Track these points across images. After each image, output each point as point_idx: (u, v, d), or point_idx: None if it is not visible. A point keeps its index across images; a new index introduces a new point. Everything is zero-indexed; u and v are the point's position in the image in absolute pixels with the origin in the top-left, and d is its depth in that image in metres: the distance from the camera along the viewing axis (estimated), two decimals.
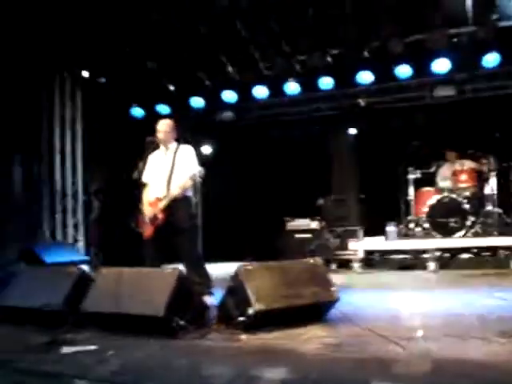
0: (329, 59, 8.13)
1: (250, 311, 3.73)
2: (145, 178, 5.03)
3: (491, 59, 7.42)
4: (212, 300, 4.61)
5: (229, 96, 8.72)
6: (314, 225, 7.91)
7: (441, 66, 7.63)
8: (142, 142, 5.02)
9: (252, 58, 8.15)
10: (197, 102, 8.91)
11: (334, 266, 7.79)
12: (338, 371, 2.90)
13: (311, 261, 4.20)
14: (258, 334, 3.69)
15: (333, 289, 4.08)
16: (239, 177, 9.69)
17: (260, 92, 8.50)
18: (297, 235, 7.86)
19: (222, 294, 4.16)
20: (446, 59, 7.55)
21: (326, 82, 8.12)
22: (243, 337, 3.67)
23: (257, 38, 7.81)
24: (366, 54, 7.86)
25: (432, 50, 7.60)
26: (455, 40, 7.55)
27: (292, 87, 8.30)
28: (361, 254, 7.52)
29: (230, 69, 8.40)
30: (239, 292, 3.88)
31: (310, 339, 3.57)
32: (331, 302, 4.05)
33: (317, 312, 4.01)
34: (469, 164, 8.00)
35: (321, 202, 8.35)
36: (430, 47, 7.56)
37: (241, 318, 3.79)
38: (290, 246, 7.78)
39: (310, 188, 8.63)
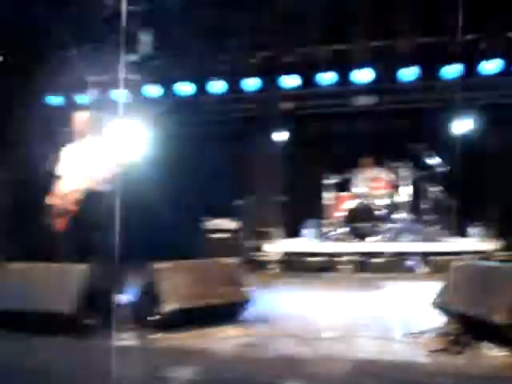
0: (255, 61, 8.16)
1: (163, 310, 3.66)
2: (59, 171, 4.81)
3: (410, 73, 7.75)
4: (125, 298, 4.47)
5: (152, 92, 8.52)
6: (233, 225, 7.90)
7: (363, 75, 7.87)
8: (58, 132, 4.79)
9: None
10: (118, 94, 8.62)
11: (251, 267, 7.82)
12: (249, 371, 2.90)
13: (226, 261, 4.18)
14: (171, 333, 3.63)
15: (247, 289, 4.08)
16: (158, 174, 9.47)
17: (185, 89, 8.37)
18: (214, 235, 7.81)
19: (135, 293, 4.05)
20: (368, 69, 7.80)
21: (252, 84, 8.16)
22: (155, 336, 3.59)
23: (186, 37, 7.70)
24: (292, 58, 7.96)
25: (355, 60, 7.83)
26: (377, 52, 7.80)
27: (218, 86, 8.26)
28: (278, 256, 7.60)
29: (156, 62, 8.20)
30: (153, 290, 3.80)
31: (223, 339, 3.56)
32: (245, 302, 4.05)
33: (230, 312, 4.00)
34: (384, 171, 8.31)
35: (241, 202, 8.36)
36: (354, 57, 7.79)
37: (154, 317, 3.71)
38: (209, 245, 7.71)
39: (232, 188, 8.61)
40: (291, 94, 8.67)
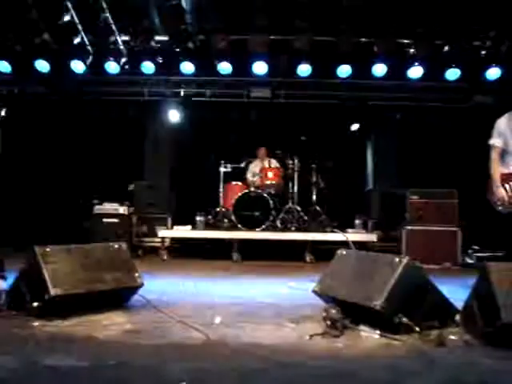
0: (154, 44, 7.98)
1: (47, 296, 3.49)
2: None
3: (304, 69, 8.01)
4: (2, 284, 4.21)
5: (42, 66, 8.02)
6: (122, 210, 7.71)
7: (259, 68, 8.00)
8: None
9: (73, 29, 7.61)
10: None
11: (140, 253, 7.71)
12: (135, 357, 2.87)
13: (115, 245, 4.07)
14: (54, 320, 3.48)
15: (136, 275, 4.02)
16: (47, 156, 9.00)
17: (77, 67, 7.97)
18: (104, 219, 7.57)
19: (14, 278, 3.83)
20: (264, 62, 7.95)
21: (149, 67, 7.98)
22: (36, 323, 3.43)
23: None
24: (190, 45, 7.88)
25: (252, 52, 7.94)
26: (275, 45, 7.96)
27: (112, 67, 7.97)
28: (168, 242, 7.55)
29: (46, 36, 7.70)
30: (35, 276, 3.60)
31: (110, 326, 3.48)
32: (134, 288, 3.99)
33: (119, 298, 3.92)
34: (276, 163, 8.54)
35: (131, 186, 8.19)
36: (251, 49, 7.90)
37: (35, 304, 3.53)
38: (98, 230, 7.47)
39: (124, 172, 8.40)
40: (187, 80, 8.61)
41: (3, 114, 4.49)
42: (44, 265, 3.59)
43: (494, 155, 4.47)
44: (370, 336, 3.30)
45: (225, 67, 8.00)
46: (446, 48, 7.65)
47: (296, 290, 5.04)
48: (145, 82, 8.68)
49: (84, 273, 3.73)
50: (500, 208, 4.39)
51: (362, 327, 3.41)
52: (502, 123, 4.49)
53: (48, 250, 3.69)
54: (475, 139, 4.98)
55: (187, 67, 8.01)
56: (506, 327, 2.93)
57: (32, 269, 3.65)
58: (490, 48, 7.60)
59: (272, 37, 7.82)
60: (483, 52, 7.67)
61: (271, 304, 4.36)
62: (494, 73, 7.81)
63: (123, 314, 3.77)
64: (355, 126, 8.95)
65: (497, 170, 4.43)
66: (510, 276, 3.19)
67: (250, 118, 9.46)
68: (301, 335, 3.34)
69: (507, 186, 4.34)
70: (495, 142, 4.48)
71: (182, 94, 8.91)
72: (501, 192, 4.34)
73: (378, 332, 3.31)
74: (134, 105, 9.04)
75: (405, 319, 3.23)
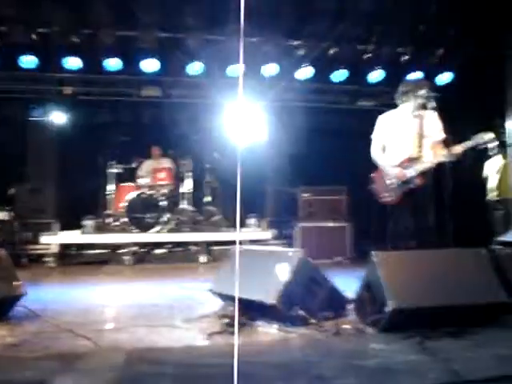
0: (34, 37, 7.46)
1: None
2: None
3: (196, 68, 7.92)
4: None
5: None
6: (3, 216, 7.12)
7: (149, 66, 7.79)
8: None
9: None
10: None
11: (25, 261, 7.14)
12: (15, 372, 2.63)
13: None
14: None
15: (17, 283, 3.71)
16: None
17: None
18: None
19: None
20: (154, 60, 7.75)
21: (28, 60, 7.45)
22: None
23: None
24: (75, 39, 7.47)
25: (142, 49, 7.71)
26: (165, 44, 7.79)
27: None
28: (55, 249, 7.09)
29: None
30: None
31: None
32: (15, 298, 3.68)
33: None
34: (168, 163, 8.37)
35: (13, 191, 7.60)
36: (140, 45, 7.66)
37: None
38: None
39: (4, 175, 7.76)
40: (72, 78, 8.18)
41: None
42: None
43: (376, 148, 4.71)
44: (267, 331, 3.31)
45: (113, 64, 7.68)
46: (333, 50, 7.94)
47: (192, 290, 4.94)
48: (24, 78, 8.09)
49: None
50: (385, 198, 4.60)
51: (259, 323, 3.40)
52: (383, 119, 4.74)
53: None
54: (362, 139, 5.20)
55: (72, 63, 7.58)
56: (394, 313, 3.06)
57: None
58: (373, 52, 8.00)
59: (162, 34, 7.64)
60: (366, 56, 8.05)
61: (165, 306, 4.24)
62: (376, 76, 8.23)
63: (4, 327, 3.45)
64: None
65: (383, 157, 4.66)
66: (395, 264, 3.35)
67: (142, 117, 9.20)
68: (197, 335, 3.26)
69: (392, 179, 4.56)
70: (376, 136, 4.72)
71: (67, 92, 8.43)
72: (396, 170, 4.54)
73: (276, 326, 3.32)
74: (15, 103, 8.40)
75: (301, 312, 3.28)
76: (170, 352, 2.94)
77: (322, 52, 7.99)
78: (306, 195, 7.64)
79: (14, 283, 3.68)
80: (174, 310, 4.07)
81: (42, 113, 8.65)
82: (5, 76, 7.95)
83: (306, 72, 8.12)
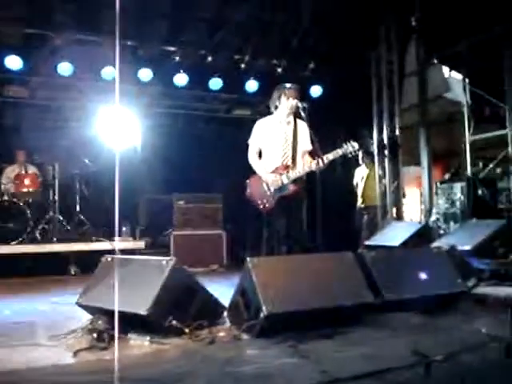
0: None
1: None
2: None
3: (65, 68, 7.52)
4: None
5: None
6: None
7: (13, 63, 7.25)
8: None
9: None
10: None
11: None
12: None
13: None
14: None
15: None
16: None
17: None
18: None
19: None
20: (18, 57, 7.23)
21: None
22: None
23: None
24: None
25: (6, 44, 7.17)
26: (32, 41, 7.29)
27: None
28: None
29: None
30: None
31: None
32: None
33: None
34: (34, 169, 7.82)
35: None
36: (4, 41, 7.13)
37: None
38: None
39: None
40: None
41: None
42: None
43: (252, 153, 4.78)
44: (140, 343, 3.16)
45: None
46: (210, 58, 7.97)
47: (59, 304, 4.62)
48: None
49: None
50: (261, 205, 4.66)
51: (131, 335, 3.24)
52: (259, 124, 4.83)
53: None
54: (238, 147, 5.25)
55: None
56: (268, 318, 3.09)
57: None
58: (248, 62, 8.16)
59: (29, 30, 7.14)
60: (242, 65, 8.19)
61: (29, 323, 3.89)
62: (252, 86, 8.40)
63: None
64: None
65: (259, 163, 4.73)
66: (269, 270, 3.39)
67: (5, 118, 8.51)
68: (63, 353, 3.03)
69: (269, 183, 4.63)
70: (252, 141, 4.80)
71: None
72: (271, 176, 4.61)
73: (148, 338, 3.19)
74: None
75: (174, 322, 3.18)
76: (34, 373, 2.69)
77: (199, 60, 8.00)
78: (180, 203, 7.55)
79: None
80: (38, 326, 3.75)
81: None
82: None
83: (181, 79, 8.07)
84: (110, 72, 7.63)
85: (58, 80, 7.92)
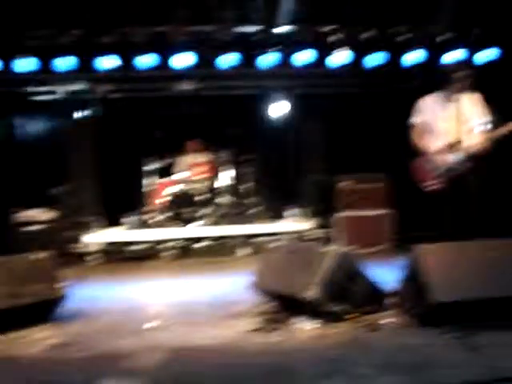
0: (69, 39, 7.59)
1: None
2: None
3: (228, 60, 7.89)
4: None
5: None
6: (46, 216, 7.28)
7: (182, 60, 7.81)
8: None
9: None
10: None
11: (68, 260, 7.30)
12: (65, 372, 2.70)
13: (37, 255, 3.82)
14: None
15: (60, 285, 3.80)
16: None
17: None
18: (26, 228, 7.10)
19: None
20: (187, 54, 7.76)
21: (64, 63, 7.58)
22: None
23: None
24: (106, 39, 7.56)
25: (174, 44, 7.74)
26: (198, 37, 7.78)
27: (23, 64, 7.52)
28: (97, 246, 7.23)
29: None
30: None
31: (34, 342, 3.27)
32: (59, 300, 3.77)
33: (42, 311, 3.68)
34: (205, 157, 8.36)
35: (55, 191, 7.76)
36: (172, 40, 7.69)
37: None
38: (19, 239, 6.99)
39: (44, 176, 7.93)
40: (107, 76, 8.27)
41: None
42: None
43: (416, 133, 4.58)
44: (305, 328, 3.27)
45: (146, 61, 7.74)
46: (367, 34, 7.76)
47: (231, 285, 4.95)
48: (60, 78, 8.21)
49: (3, 288, 3.48)
50: (431, 186, 4.47)
51: (297, 319, 3.37)
52: (423, 103, 4.60)
53: None
54: (401, 124, 5.07)
55: (107, 63, 7.68)
56: (437, 307, 2.98)
57: None
58: (409, 33, 7.78)
59: (193, 28, 7.63)
60: (401, 38, 7.83)
61: (205, 302, 4.25)
62: (413, 57, 7.99)
63: (48, 328, 3.55)
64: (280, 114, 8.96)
65: (425, 142, 4.53)
66: (439, 256, 3.25)
67: (177, 111, 9.23)
68: (235, 333, 3.26)
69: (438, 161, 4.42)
70: (415, 120, 4.59)
71: (100, 89, 8.51)
72: (441, 155, 4.41)
73: (313, 323, 3.28)
74: (50, 104, 8.54)
75: (338, 308, 3.23)
76: (210, 351, 2.95)
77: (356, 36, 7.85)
78: (344, 184, 7.51)
79: (55, 285, 3.76)
80: (214, 306, 4.08)
81: (81, 112, 8.78)
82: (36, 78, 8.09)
83: (339, 57, 7.97)
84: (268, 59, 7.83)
85: (221, 71, 8.33)
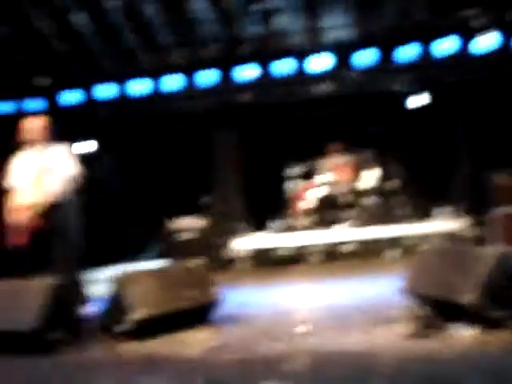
0: (209, 53, 8.02)
1: (132, 318, 3.55)
2: (12, 182, 4.61)
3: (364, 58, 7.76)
4: (91, 309, 4.35)
5: (105, 91, 8.31)
6: (198, 224, 7.73)
7: (320, 62, 7.83)
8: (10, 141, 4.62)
9: (129, 50, 7.82)
10: (70, 96, 8.41)
11: (219, 265, 7.67)
12: (223, 374, 2.83)
13: (193, 262, 4.08)
14: (140, 341, 3.51)
15: (215, 289, 4.00)
16: (123, 175, 9.26)
17: (138, 87, 8.18)
18: (179, 235, 7.60)
19: (102, 302, 3.94)
20: (326, 55, 7.77)
21: (207, 77, 8.01)
22: (124, 346, 3.48)
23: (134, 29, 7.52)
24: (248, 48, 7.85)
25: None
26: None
27: (171, 82, 8.09)
28: (246, 251, 7.48)
29: (105, 61, 7.95)
30: (120, 299, 3.69)
31: (194, 343, 3.46)
32: (214, 303, 3.97)
33: (200, 314, 3.91)
34: (348, 158, 8.24)
35: (205, 199, 8.21)
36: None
37: (122, 326, 3.60)
38: (173, 246, 7.51)
39: (193, 185, 8.43)
40: (248, 85, 8.54)
41: None
42: (127, 288, 3.66)
43: None
44: (464, 334, 3.08)
45: (283, 66, 7.89)
46: None
47: (380, 288, 4.83)
48: (203, 93, 8.64)
49: (165, 293, 3.77)
50: None
51: (455, 325, 3.18)
52: None
53: (130, 273, 3.77)
54: None
55: (248, 72, 7.96)
56: None
57: (117, 292, 3.73)
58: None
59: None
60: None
61: (354, 307, 4.19)
62: None
63: (206, 331, 3.75)
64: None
65: None
66: None
67: (316, 113, 9.23)
68: (389, 339, 3.16)
69: None
70: None
71: (244, 99, 8.81)
72: None
73: (473, 329, 3.07)
74: (195, 116, 9.02)
75: (500, 313, 2.99)
76: (362, 356, 2.90)
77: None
78: (502, 178, 6.94)
79: (211, 290, 3.98)
80: (364, 310, 4.01)
81: (222, 122, 9.16)
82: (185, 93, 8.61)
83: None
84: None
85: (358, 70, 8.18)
